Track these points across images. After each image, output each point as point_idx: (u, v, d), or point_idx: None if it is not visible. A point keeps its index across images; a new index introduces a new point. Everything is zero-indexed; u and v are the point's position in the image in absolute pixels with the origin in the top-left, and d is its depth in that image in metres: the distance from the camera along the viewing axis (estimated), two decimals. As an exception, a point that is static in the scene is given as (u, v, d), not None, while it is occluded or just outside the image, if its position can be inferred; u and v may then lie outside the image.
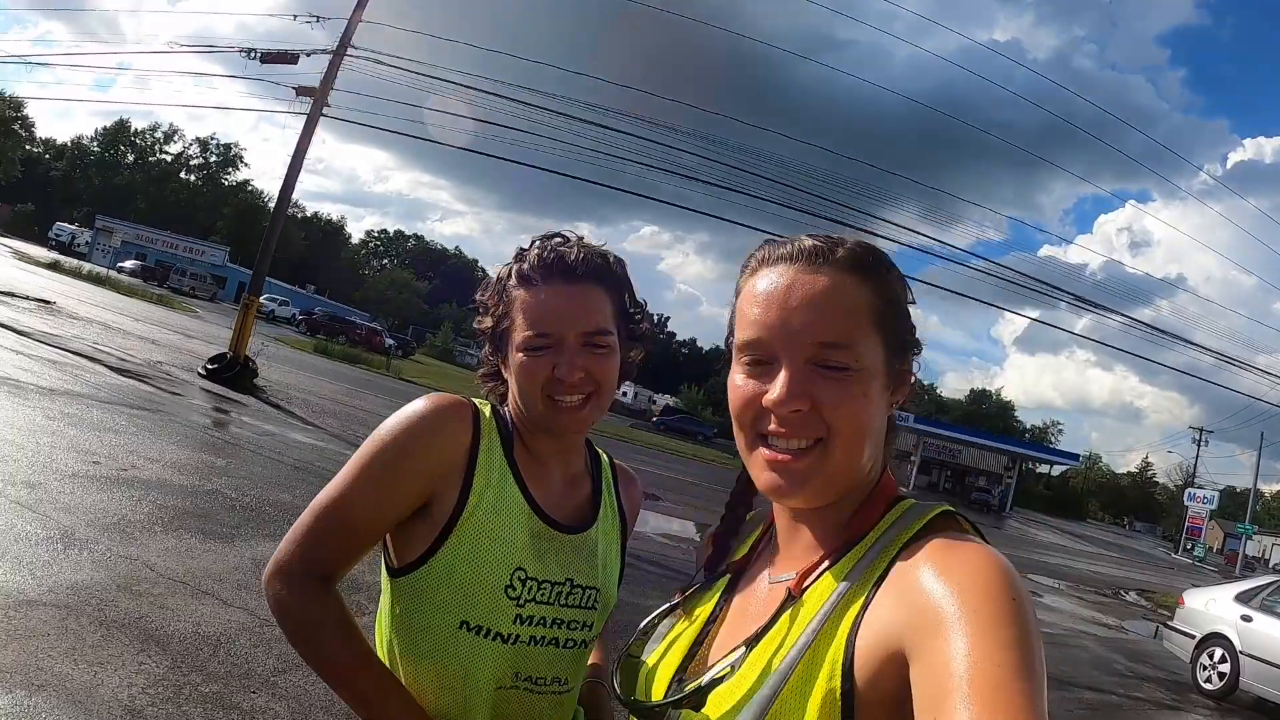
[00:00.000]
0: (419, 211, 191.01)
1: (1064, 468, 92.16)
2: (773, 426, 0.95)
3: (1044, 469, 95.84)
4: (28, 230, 75.10)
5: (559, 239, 1.43)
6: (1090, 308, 30.11)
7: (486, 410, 1.42)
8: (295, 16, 21.01)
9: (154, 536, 5.89)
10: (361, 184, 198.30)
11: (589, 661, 1.53)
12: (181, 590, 5.03)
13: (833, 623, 0.87)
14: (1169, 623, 11.44)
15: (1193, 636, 10.60)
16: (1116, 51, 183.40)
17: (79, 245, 65.91)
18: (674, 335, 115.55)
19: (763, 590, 1.04)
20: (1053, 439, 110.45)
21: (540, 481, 1.42)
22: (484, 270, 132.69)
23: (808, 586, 0.95)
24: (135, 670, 3.88)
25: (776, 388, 0.93)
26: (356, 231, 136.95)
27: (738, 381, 0.99)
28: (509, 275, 1.41)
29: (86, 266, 45.74)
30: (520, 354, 1.37)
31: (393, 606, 1.36)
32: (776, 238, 1.03)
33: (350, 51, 18.84)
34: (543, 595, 1.35)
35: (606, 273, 1.41)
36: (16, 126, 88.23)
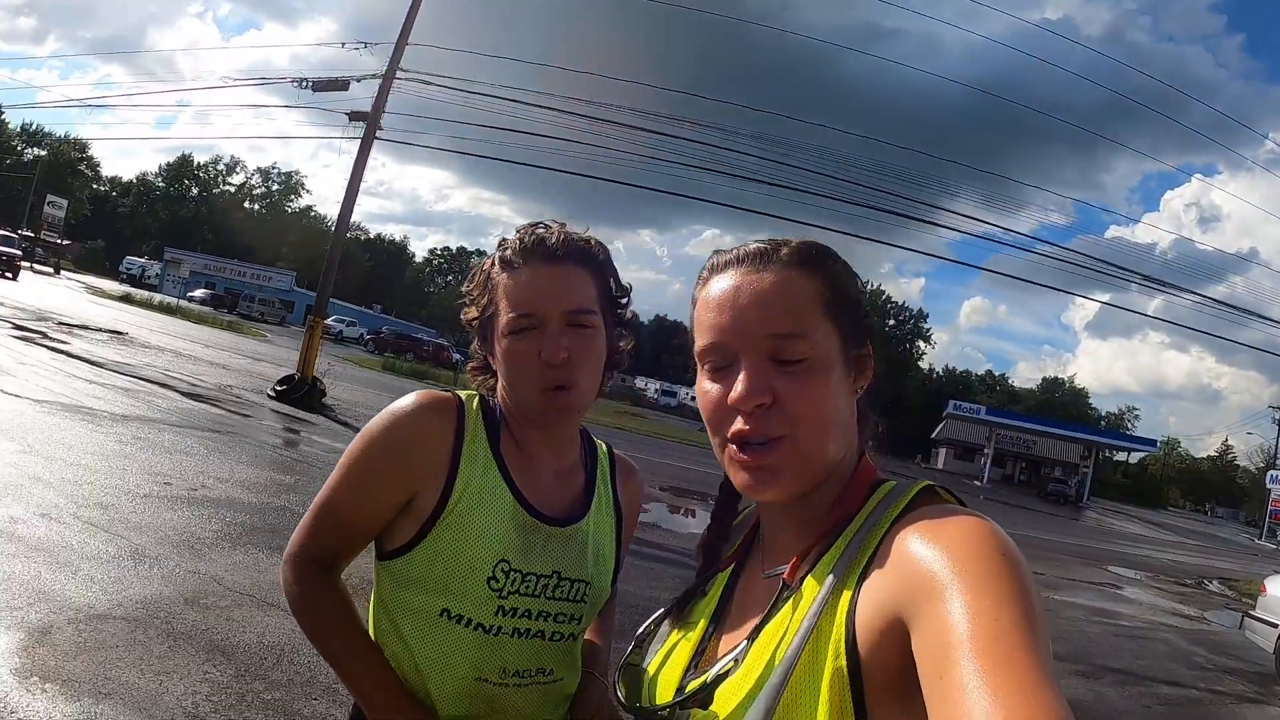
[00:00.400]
0: (480, 227, 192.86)
1: (1141, 454, 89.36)
2: (740, 425, 0.97)
3: (1121, 457, 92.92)
4: (99, 266, 77.71)
5: (541, 225, 1.44)
6: (1162, 288, 29.27)
7: (473, 404, 1.44)
8: (344, 44, 21.49)
9: (222, 552, 6.04)
10: (423, 204, 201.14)
11: (589, 649, 1.57)
12: (248, 603, 5.15)
13: (831, 605, 0.89)
14: (1252, 612, 10.91)
15: (1276, 625, 10.11)
16: (1171, 22, 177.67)
17: (149, 278, 68.17)
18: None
19: (758, 586, 1.06)
20: (1129, 425, 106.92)
21: (528, 474, 1.43)
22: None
23: (802, 575, 0.97)
24: (200, 679, 3.99)
25: (738, 386, 0.96)
26: (420, 250, 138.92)
27: (704, 387, 1.02)
28: (492, 264, 1.43)
29: (157, 298, 47.25)
30: (505, 339, 1.38)
31: (379, 589, 1.41)
32: (723, 249, 1.06)
33: (399, 74, 19.16)
34: (527, 588, 1.36)
35: (588, 254, 1.42)
36: (83, 167, 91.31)
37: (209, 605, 4.95)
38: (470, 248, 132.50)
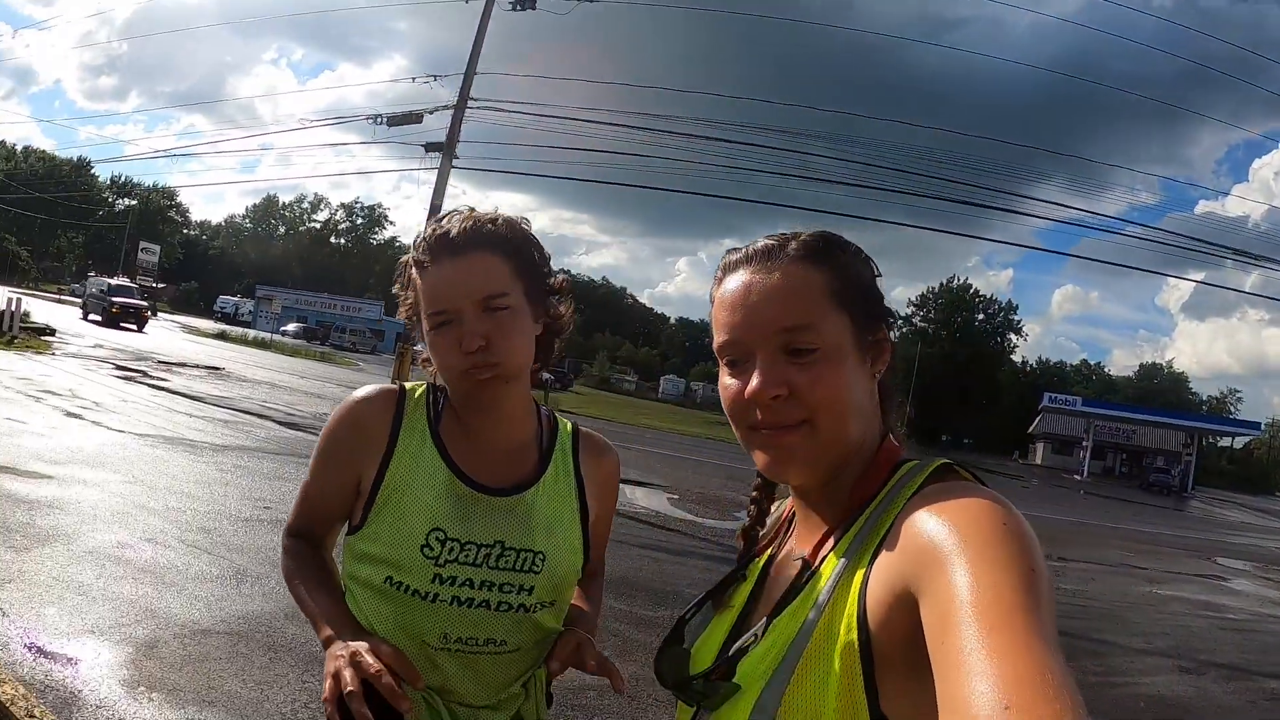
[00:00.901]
0: (565, 247, 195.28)
1: (1246, 439, 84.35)
2: (760, 416, 1.02)
3: (1225, 442, 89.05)
4: (194, 306, 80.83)
5: (445, 217, 1.49)
6: (1257, 262, 27.97)
7: (416, 393, 1.54)
8: (414, 79, 22.04)
9: (319, 569, 6.16)
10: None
11: (574, 613, 1.62)
12: (345, 615, 5.25)
13: (845, 582, 0.93)
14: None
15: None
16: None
17: (243, 315, 70.69)
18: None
19: (788, 567, 1.09)
20: (1232, 409, 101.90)
21: (469, 450, 1.50)
22: (633, 297, 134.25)
23: (823, 556, 1.01)
24: (299, 688, 4.13)
25: (754, 380, 1.01)
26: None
27: (725, 382, 1.06)
28: (410, 257, 1.49)
29: (251, 333, 49.07)
30: (429, 334, 1.44)
31: (344, 567, 1.51)
32: (737, 247, 1.11)
33: (470, 104, 19.51)
34: (466, 556, 1.42)
35: (494, 236, 1.46)
36: (172, 213, 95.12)
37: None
38: (554, 268, 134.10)
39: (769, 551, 1.20)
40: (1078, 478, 52.26)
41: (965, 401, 79.76)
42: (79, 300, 42.38)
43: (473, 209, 1.50)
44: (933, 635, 0.75)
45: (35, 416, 11.11)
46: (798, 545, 1.10)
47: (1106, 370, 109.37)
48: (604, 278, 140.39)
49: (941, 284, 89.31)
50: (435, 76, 22.07)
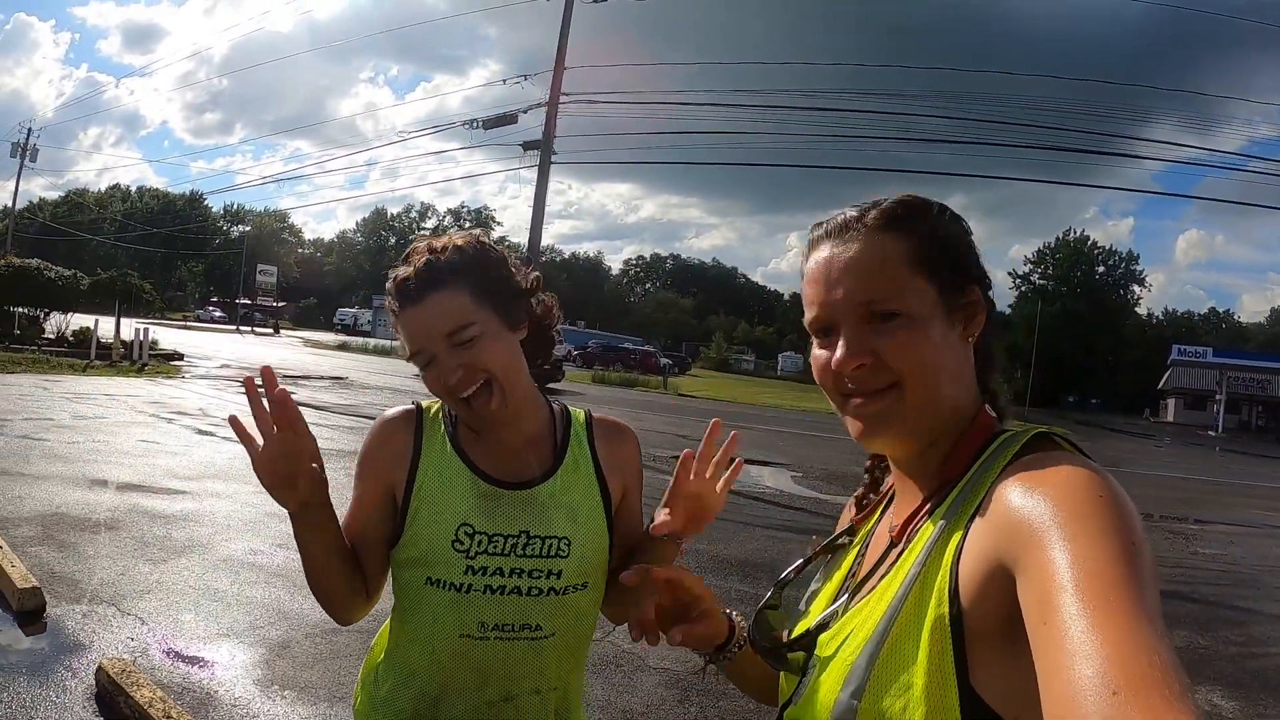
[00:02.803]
0: (674, 232, 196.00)
1: None
2: (849, 385, 1.03)
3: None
4: (314, 321, 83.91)
5: (402, 259, 1.56)
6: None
7: (433, 409, 1.64)
8: (505, 81, 22.39)
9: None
10: (614, 218, 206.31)
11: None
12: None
13: (936, 555, 0.92)
14: None
15: None
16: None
17: (362, 325, 73.18)
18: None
19: (884, 538, 1.10)
20: None
21: (486, 451, 1.60)
22: (745, 276, 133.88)
23: (914, 528, 1.02)
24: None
25: (839, 351, 1.02)
26: (615, 263, 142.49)
27: (815, 354, 1.08)
28: (388, 304, 1.58)
29: (372, 343, 50.49)
30: (419, 371, 1.54)
31: (394, 580, 1.60)
32: (821, 221, 1.11)
33: (563, 99, 19.65)
34: (495, 548, 1.52)
35: (448, 270, 1.51)
36: (286, 234, 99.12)
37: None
38: (664, 253, 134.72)
39: (874, 519, 1.20)
40: (1212, 434, 49.75)
41: (1090, 360, 77.58)
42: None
43: (429, 242, 1.57)
44: (1031, 613, 0.74)
45: (168, 437, 11.63)
46: (897, 515, 1.10)
47: (1237, 317, 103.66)
48: (714, 259, 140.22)
49: (1058, 238, 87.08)
50: (525, 76, 22.48)
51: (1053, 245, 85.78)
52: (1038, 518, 0.79)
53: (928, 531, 0.97)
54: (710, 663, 1.31)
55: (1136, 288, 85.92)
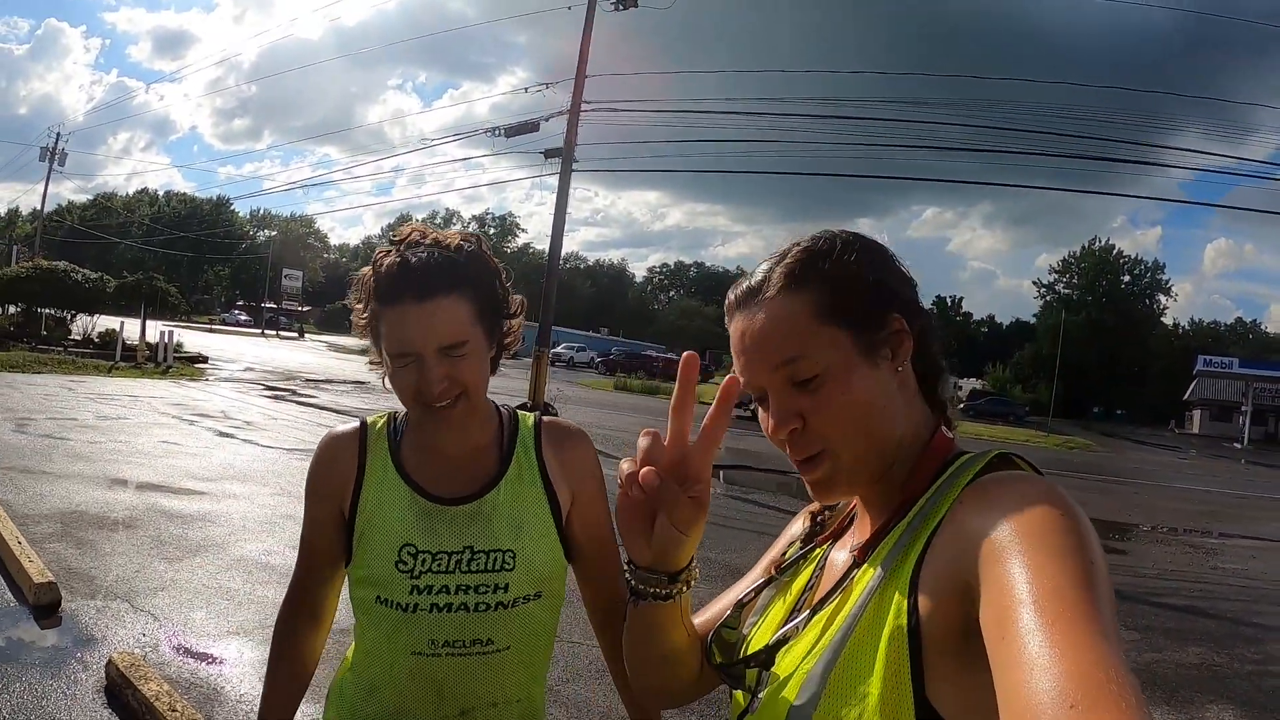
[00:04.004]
0: (700, 240, 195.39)
1: None
2: (787, 451, 1.05)
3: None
4: (339, 325, 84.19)
5: (407, 247, 1.49)
6: None
7: (378, 424, 1.63)
8: (527, 89, 22.46)
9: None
10: (640, 225, 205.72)
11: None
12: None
13: (896, 569, 0.94)
14: None
15: None
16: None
17: (387, 331, 72.87)
18: (970, 316, 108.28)
19: (841, 560, 1.10)
20: None
21: (425, 465, 1.58)
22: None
23: (872, 550, 1.01)
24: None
25: (769, 420, 1.04)
26: (640, 271, 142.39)
27: (760, 415, 1.08)
28: (371, 285, 1.50)
29: (395, 349, 50.32)
30: (390, 363, 1.49)
31: (350, 595, 1.60)
32: (739, 281, 1.11)
33: (584, 107, 19.70)
34: (439, 565, 1.51)
35: (458, 277, 1.47)
36: (311, 240, 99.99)
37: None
38: (688, 261, 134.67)
39: (830, 540, 1.19)
40: (1238, 445, 49.00)
41: (1115, 370, 76.62)
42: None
43: (436, 236, 1.52)
44: (990, 629, 0.76)
45: (189, 438, 11.78)
46: (856, 538, 1.11)
47: (1264, 327, 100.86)
48: (739, 267, 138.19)
49: (1083, 247, 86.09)
50: (547, 84, 22.51)
51: (1078, 254, 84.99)
52: (997, 535, 0.81)
53: (887, 547, 0.98)
54: (645, 591, 1.09)
55: (1162, 297, 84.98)
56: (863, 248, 1.07)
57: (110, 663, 3.92)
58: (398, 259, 1.46)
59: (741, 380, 1.06)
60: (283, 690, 1.66)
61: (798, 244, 1.07)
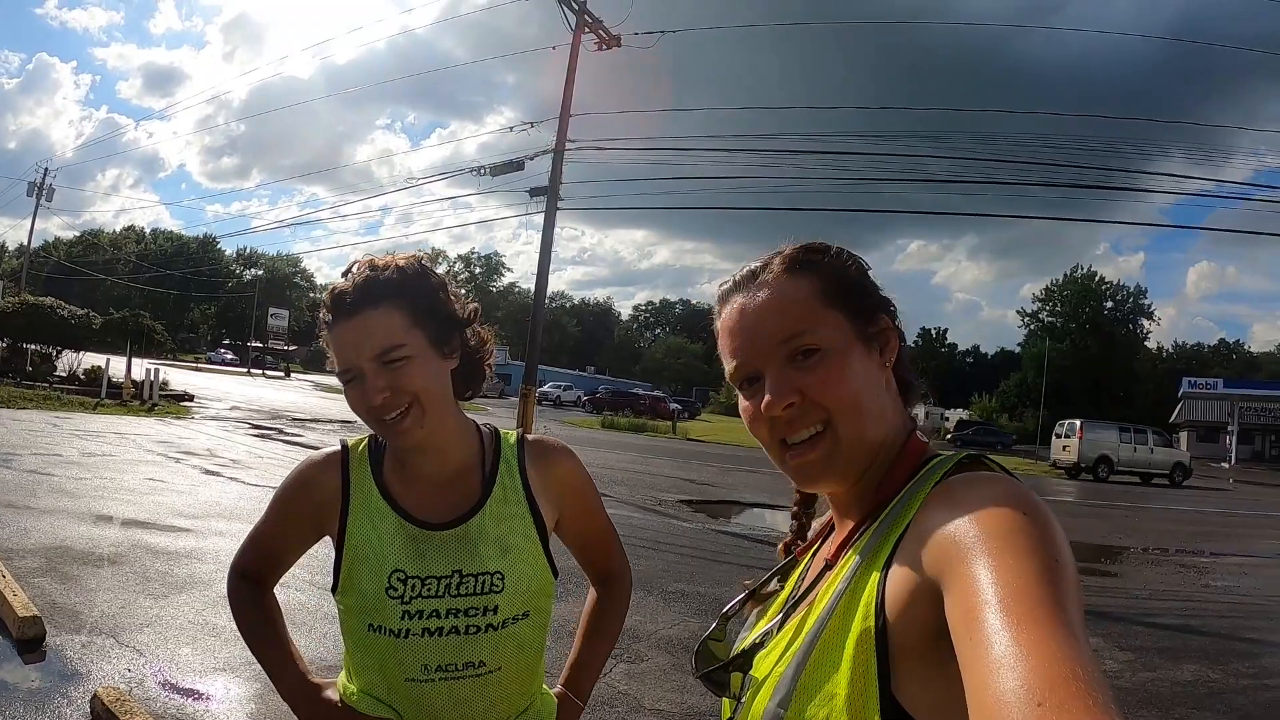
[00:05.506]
0: (687, 277, 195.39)
1: None
2: (782, 429, 1.05)
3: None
4: (325, 365, 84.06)
5: (343, 274, 1.55)
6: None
7: (360, 446, 1.64)
8: (512, 128, 22.56)
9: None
10: (627, 264, 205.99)
11: (574, 668, 1.76)
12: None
13: (864, 571, 0.95)
14: None
15: None
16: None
17: (373, 370, 72.90)
18: (955, 347, 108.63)
19: (816, 569, 1.12)
20: None
21: (410, 490, 1.59)
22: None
23: (844, 553, 1.03)
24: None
25: (766, 395, 1.04)
26: (626, 309, 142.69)
27: (743, 405, 1.10)
28: (322, 318, 1.56)
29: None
30: (344, 389, 1.53)
31: (341, 622, 1.62)
32: (728, 278, 1.15)
33: (569, 145, 19.81)
34: (429, 590, 1.52)
35: (386, 288, 1.50)
36: (298, 279, 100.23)
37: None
38: (674, 299, 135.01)
39: (807, 558, 1.21)
40: (1225, 465, 49.11)
41: (1100, 395, 76.54)
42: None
43: (372, 259, 1.56)
44: (957, 629, 0.76)
45: (175, 476, 11.72)
46: (832, 545, 1.12)
47: (1247, 347, 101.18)
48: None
49: (1065, 275, 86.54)
50: (532, 124, 22.62)
51: (1060, 282, 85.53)
52: (964, 535, 0.82)
53: (857, 550, 0.99)
54: None
55: (1146, 322, 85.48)
56: (851, 255, 1.13)
57: (95, 698, 3.88)
58: (331, 290, 1.52)
59: (734, 364, 1.08)
60: (275, 643, 1.66)
61: (791, 244, 1.11)
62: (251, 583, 1.70)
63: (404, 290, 1.51)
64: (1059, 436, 37.12)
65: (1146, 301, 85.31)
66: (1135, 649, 7.09)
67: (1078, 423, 35.83)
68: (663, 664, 5.56)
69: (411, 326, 1.50)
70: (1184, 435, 65.31)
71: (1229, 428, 53.97)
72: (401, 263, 1.55)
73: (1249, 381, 66.38)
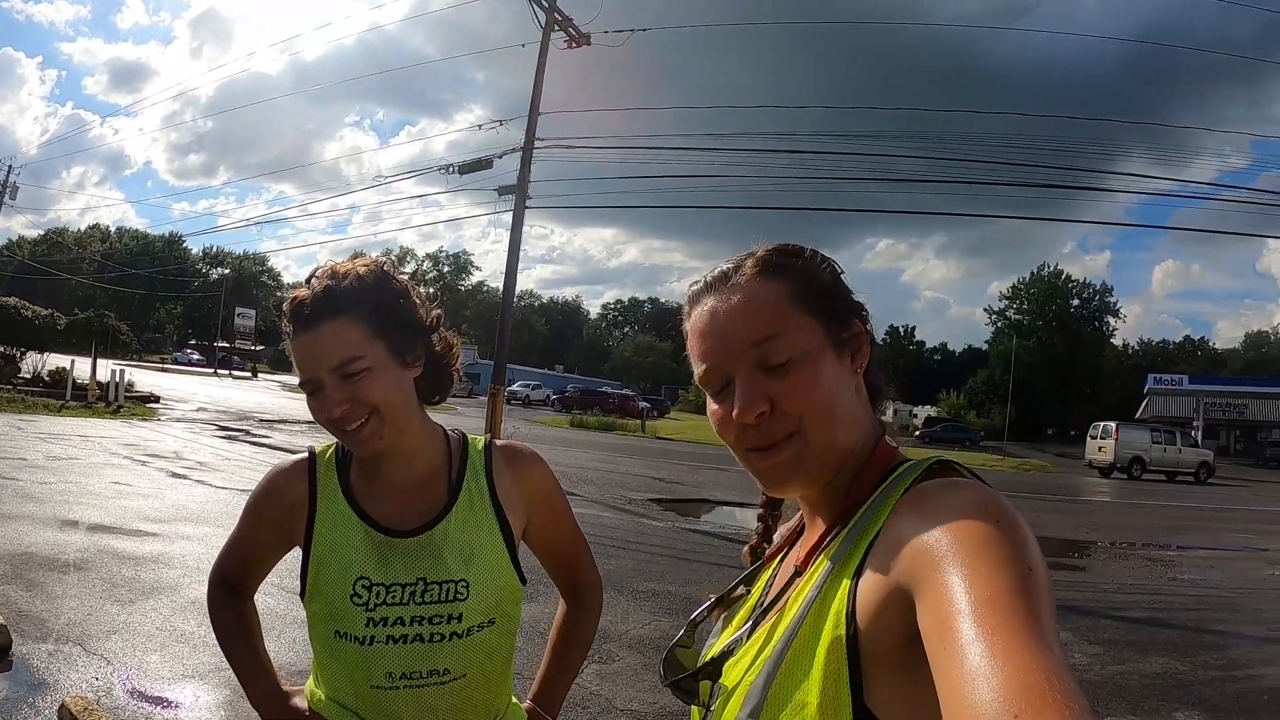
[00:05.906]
0: (656, 276, 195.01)
1: None
2: (749, 436, 1.03)
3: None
4: (292, 365, 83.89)
5: (305, 280, 1.54)
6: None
7: (327, 454, 1.65)
8: (480, 126, 22.50)
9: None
10: (596, 263, 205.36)
11: (544, 682, 1.78)
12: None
13: (835, 578, 0.94)
14: None
15: None
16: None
17: (340, 370, 72.68)
18: (923, 344, 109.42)
19: (785, 575, 1.11)
20: None
21: (376, 497, 1.59)
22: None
23: (814, 559, 1.03)
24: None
25: (736, 401, 1.02)
26: (595, 307, 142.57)
27: (712, 409, 1.08)
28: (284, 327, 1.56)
29: (350, 387, 49.83)
30: (306, 398, 1.53)
31: (309, 628, 1.61)
32: (699, 278, 1.13)
33: (538, 144, 19.76)
34: (393, 598, 1.52)
35: (344, 299, 1.49)
36: (265, 278, 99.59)
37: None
38: (642, 297, 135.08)
39: (775, 563, 1.21)
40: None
41: (1067, 392, 77.76)
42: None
43: (333, 267, 1.55)
44: (931, 638, 0.75)
45: (141, 479, 11.62)
46: (801, 549, 1.11)
47: (1211, 344, 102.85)
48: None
49: (1032, 273, 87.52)
50: (500, 122, 22.58)
51: (1027, 280, 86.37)
52: (935, 542, 0.81)
53: (827, 556, 0.98)
54: None
55: (1112, 319, 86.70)
56: (824, 257, 1.12)
57: (63, 707, 3.84)
58: (289, 301, 1.51)
59: (703, 367, 1.07)
60: (248, 650, 1.68)
61: (764, 245, 1.10)
62: (231, 590, 1.71)
63: (364, 300, 1.50)
64: (1094, 438, 38.41)
65: (1113, 299, 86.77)
66: (1104, 642, 7.18)
67: (1113, 425, 36.98)
68: (634, 664, 5.56)
69: (371, 337, 1.49)
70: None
71: (1194, 423, 54.52)
72: (363, 270, 1.53)
73: (1214, 378, 67.40)
